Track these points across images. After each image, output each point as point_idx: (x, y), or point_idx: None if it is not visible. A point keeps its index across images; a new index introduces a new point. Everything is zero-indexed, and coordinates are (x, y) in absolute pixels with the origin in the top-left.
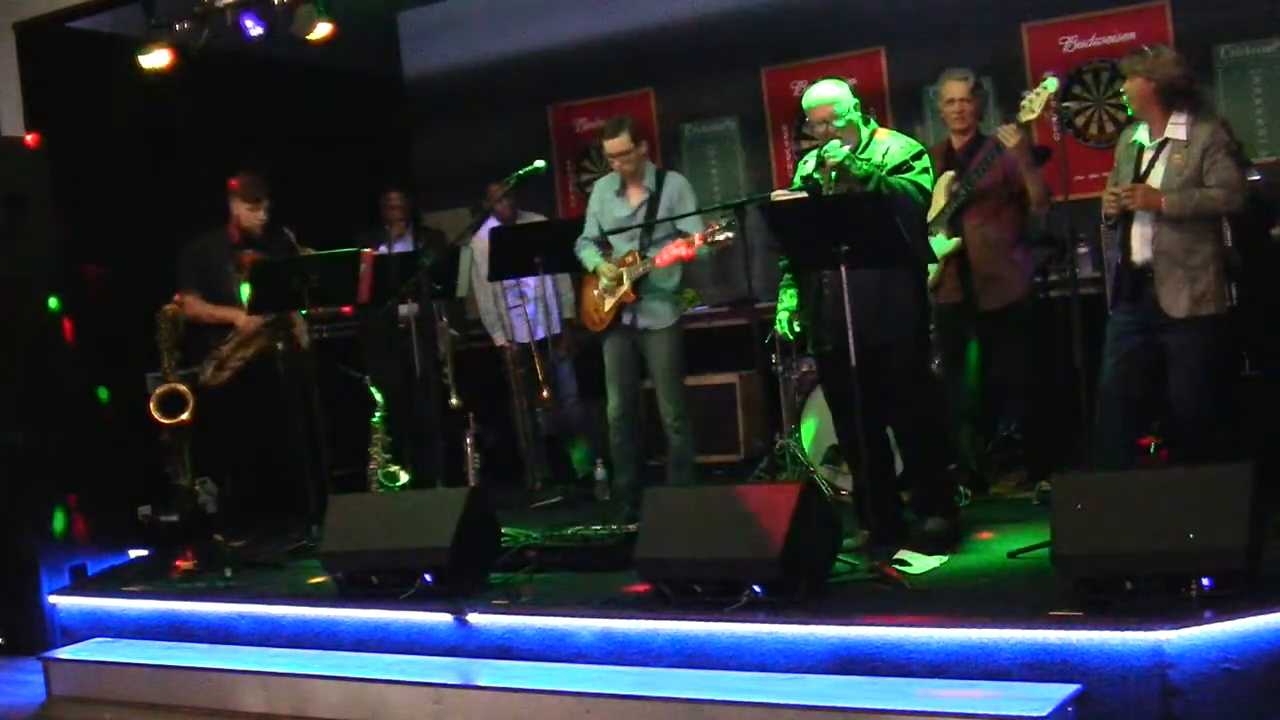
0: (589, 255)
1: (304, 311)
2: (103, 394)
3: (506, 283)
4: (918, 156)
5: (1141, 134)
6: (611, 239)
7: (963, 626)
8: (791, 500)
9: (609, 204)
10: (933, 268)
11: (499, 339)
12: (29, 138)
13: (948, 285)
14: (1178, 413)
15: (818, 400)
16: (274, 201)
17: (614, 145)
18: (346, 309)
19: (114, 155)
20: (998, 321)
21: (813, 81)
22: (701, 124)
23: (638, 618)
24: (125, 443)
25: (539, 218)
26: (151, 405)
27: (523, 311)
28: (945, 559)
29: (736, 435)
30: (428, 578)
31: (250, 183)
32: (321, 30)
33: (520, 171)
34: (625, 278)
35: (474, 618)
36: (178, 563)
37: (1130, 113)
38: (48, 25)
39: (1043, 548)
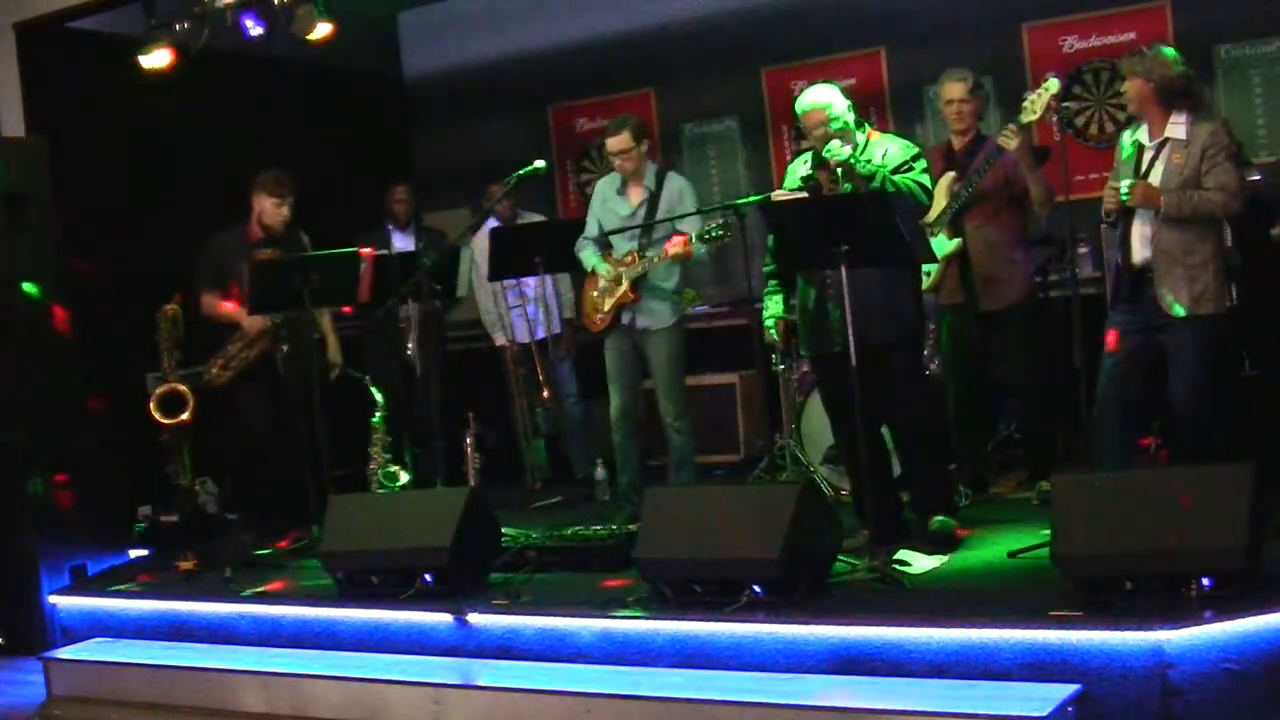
0: (588, 255)
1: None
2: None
3: (506, 283)
4: (916, 158)
5: (1141, 134)
6: (611, 239)
7: (963, 626)
8: (791, 500)
9: (610, 202)
10: (933, 268)
11: (499, 339)
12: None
13: (949, 286)
14: (1177, 413)
15: (818, 400)
16: (298, 199)
17: (615, 143)
18: (346, 309)
19: (114, 155)
20: (998, 322)
21: (812, 82)
22: (702, 124)
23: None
24: (125, 443)
25: (539, 218)
26: (151, 405)
27: (523, 311)
28: (945, 559)
29: (736, 435)
30: (428, 578)
31: (278, 178)
32: (321, 30)
33: (520, 172)
34: (624, 278)
35: (474, 618)
36: (178, 563)
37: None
38: (48, 25)
39: (1043, 548)
